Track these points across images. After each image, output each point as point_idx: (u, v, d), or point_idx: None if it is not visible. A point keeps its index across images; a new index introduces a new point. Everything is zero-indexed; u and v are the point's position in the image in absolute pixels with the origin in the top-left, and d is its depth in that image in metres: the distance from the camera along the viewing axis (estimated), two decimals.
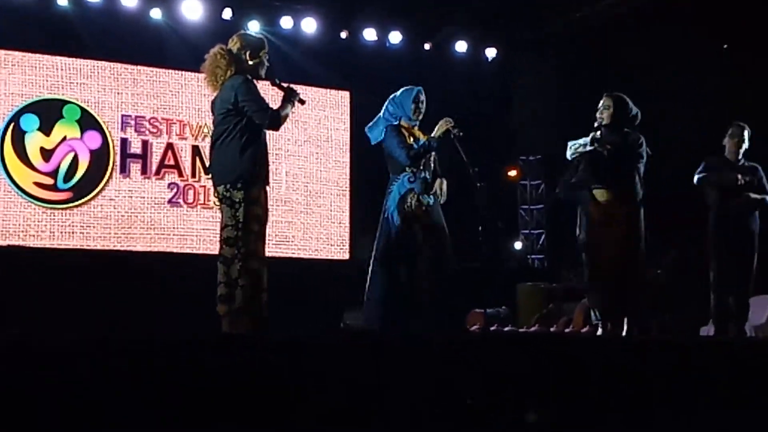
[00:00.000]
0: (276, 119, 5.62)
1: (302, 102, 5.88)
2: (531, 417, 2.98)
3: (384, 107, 6.79)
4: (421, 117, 6.71)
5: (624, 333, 6.48)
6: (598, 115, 6.83)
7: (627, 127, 6.81)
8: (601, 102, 6.85)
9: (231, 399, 2.85)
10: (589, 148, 6.68)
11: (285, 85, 5.89)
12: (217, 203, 5.74)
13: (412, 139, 6.61)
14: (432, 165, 6.66)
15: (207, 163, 5.93)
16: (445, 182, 6.63)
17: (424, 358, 3.12)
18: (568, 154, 6.84)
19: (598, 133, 6.69)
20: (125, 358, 2.88)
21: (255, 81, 5.76)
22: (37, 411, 2.66)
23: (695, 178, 7.57)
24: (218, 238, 5.67)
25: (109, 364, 2.83)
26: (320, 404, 2.91)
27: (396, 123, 6.68)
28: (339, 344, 3.18)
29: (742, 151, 7.51)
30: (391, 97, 6.80)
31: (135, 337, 2.98)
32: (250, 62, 5.74)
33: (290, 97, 5.77)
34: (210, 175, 5.93)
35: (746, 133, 7.52)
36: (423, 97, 6.70)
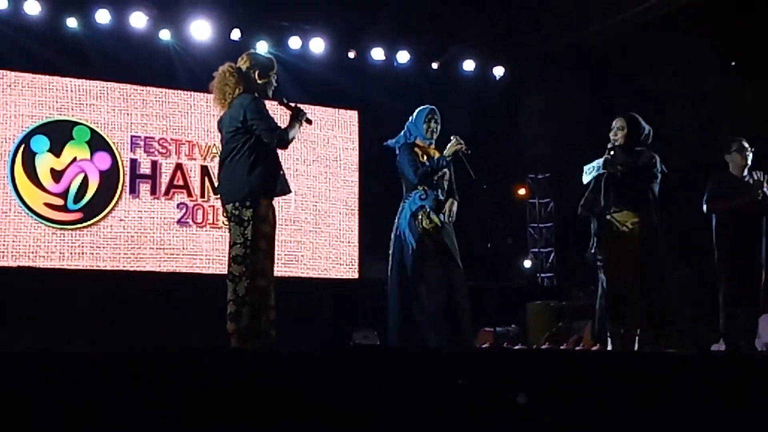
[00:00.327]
0: (284, 138, 5.63)
1: (309, 122, 5.89)
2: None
3: (405, 126, 6.87)
4: (435, 136, 6.74)
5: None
6: (611, 136, 6.82)
7: (641, 146, 6.81)
8: (614, 123, 6.84)
9: (234, 411, 2.86)
10: (602, 171, 6.67)
11: (293, 104, 5.91)
12: (226, 222, 5.74)
13: (425, 158, 6.64)
14: (445, 184, 6.67)
15: (216, 183, 5.89)
16: (456, 203, 6.65)
17: (435, 371, 3.12)
18: (584, 179, 6.83)
19: (611, 154, 6.69)
20: (131, 371, 2.88)
21: (263, 100, 5.77)
22: (47, 425, 2.67)
23: (704, 207, 7.50)
24: (227, 257, 5.67)
25: (114, 377, 2.83)
26: (326, 416, 2.91)
27: (411, 141, 6.74)
28: (348, 359, 3.18)
29: (748, 163, 7.48)
30: (410, 117, 6.88)
31: (141, 350, 2.98)
32: (259, 81, 5.76)
33: (298, 117, 5.79)
34: (218, 195, 5.93)
35: (746, 144, 7.50)
36: (436, 116, 6.74)
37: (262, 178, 5.58)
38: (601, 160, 6.71)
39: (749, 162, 7.47)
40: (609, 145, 6.78)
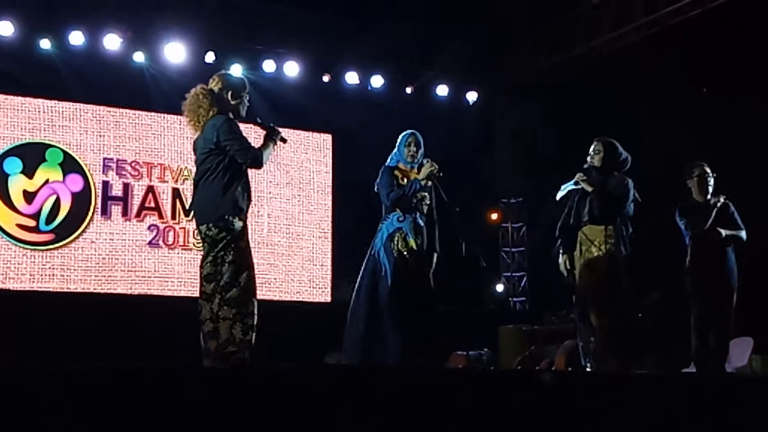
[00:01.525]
0: (258, 158, 5.63)
1: (284, 141, 5.90)
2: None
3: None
4: (416, 160, 6.76)
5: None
6: (588, 159, 6.94)
7: (617, 170, 6.91)
8: (592, 146, 6.97)
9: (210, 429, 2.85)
10: (572, 187, 6.80)
11: (266, 124, 5.91)
12: (199, 243, 5.73)
13: (405, 180, 6.70)
14: (425, 208, 6.70)
15: (190, 203, 5.86)
16: (436, 256, 6.73)
17: (403, 392, 3.12)
18: (558, 195, 6.94)
19: (584, 172, 6.81)
20: (99, 389, 2.87)
21: (236, 121, 5.77)
22: None
23: (682, 225, 7.56)
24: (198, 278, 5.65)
25: (82, 394, 2.82)
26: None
27: (392, 165, 6.80)
28: (318, 377, 3.18)
29: (710, 189, 7.55)
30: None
31: (116, 368, 2.97)
32: (232, 102, 5.76)
33: (272, 136, 5.79)
34: (190, 216, 5.91)
35: (708, 169, 7.58)
36: (414, 140, 6.79)
37: (236, 199, 5.57)
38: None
39: (710, 187, 7.54)
40: (585, 166, 6.89)
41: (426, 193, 6.71)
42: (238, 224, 5.57)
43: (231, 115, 5.71)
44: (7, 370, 2.89)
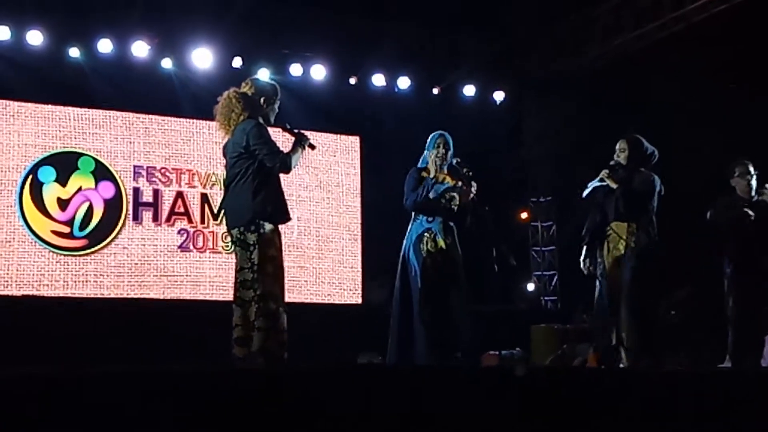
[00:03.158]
0: (286, 162, 5.65)
1: (312, 147, 5.92)
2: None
3: None
4: (445, 161, 6.76)
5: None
6: (615, 156, 6.93)
7: (644, 166, 6.89)
8: (618, 145, 6.96)
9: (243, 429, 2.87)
10: (598, 184, 6.80)
11: (295, 130, 5.94)
12: (229, 248, 5.77)
13: (435, 182, 6.70)
14: (454, 207, 6.66)
15: (220, 208, 5.89)
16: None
17: (440, 390, 3.13)
18: (584, 193, 6.93)
19: (610, 169, 6.80)
20: (140, 391, 2.90)
21: (266, 126, 5.80)
22: None
23: (708, 214, 7.55)
24: (233, 282, 5.68)
25: (123, 397, 2.85)
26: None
27: (421, 167, 6.82)
28: (353, 376, 3.20)
29: (753, 187, 7.51)
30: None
31: (148, 370, 3.00)
32: (264, 107, 5.80)
33: (301, 142, 5.81)
34: (218, 220, 5.95)
35: (752, 169, 7.54)
36: (443, 141, 6.78)
37: (266, 202, 5.59)
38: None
39: (754, 185, 7.51)
40: (611, 163, 6.88)
41: (456, 193, 6.68)
42: (269, 227, 5.59)
43: (261, 120, 5.74)
44: (45, 376, 2.93)
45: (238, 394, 2.98)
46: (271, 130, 5.87)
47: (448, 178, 6.73)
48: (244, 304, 5.50)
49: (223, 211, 5.96)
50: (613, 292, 6.76)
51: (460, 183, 6.70)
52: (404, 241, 6.66)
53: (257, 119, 5.72)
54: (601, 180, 6.84)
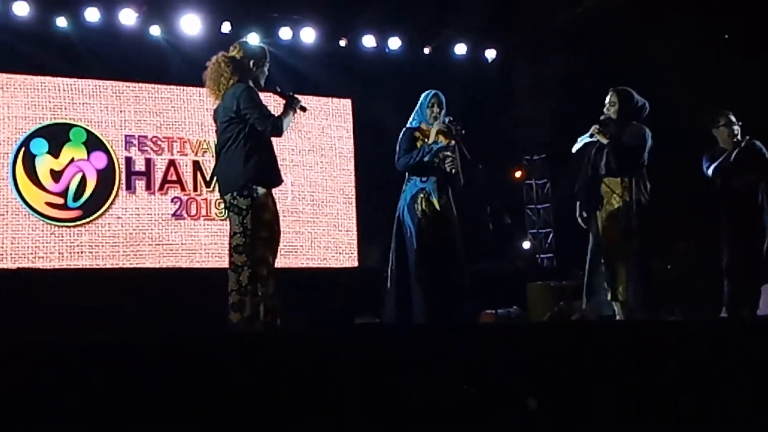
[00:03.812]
0: (278, 126, 5.60)
1: (303, 109, 5.88)
2: (532, 404, 3.00)
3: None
4: (437, 120, 6.70)
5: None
6: (605, 110, 6.89)
7: (635, 119, 6.86)
8: (608, 98, 6.91)
9: (243, 394, 2.87)
10: (588, 140, 6.77)
11: (286, 93, 5.90)
12: (222, 213, 5.75)
13: (427, 141, 6.64)
14: (448, 167, 6.62)
15: (212, 174, 5.86)
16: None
17: (439, 347, 3.14)
18: (574, 148, 6.91)
19: (600, 124, 6.77)
20: (139, 359, 2.90)
21: (256, 89, 5.76)
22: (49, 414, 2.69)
23: (709, 170, 7.49)
24: (227, 248, 5.66)
25: (119, 366, 2.85)
26: (335, 395, 2.93)
27: (413, 126, 6.77)
28: (352, 337, 3.20)
29: (736, 136, 7.48)
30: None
31: (145, 338, 2.99)
32: (253, 71, 5.75)
33: (292, 105, 5.77)
34: (211, 187, 5.93)
35: (733, 118, 7.51)
36: (437, 100, 6.73)
37: (258, 166, 5.56)
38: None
39: (737, 136, 7.48)
40: (601, 117, 6.84)
41: (449, 152, 6.64)
42: (261, 192, 5.56)
43: (251, 84, 5.70)
44: (42, 344, 2.92)
45: (236, 360, 2.98)
46: (262, 94, 5.83)
47: (441, 138, 6.66)
48: (237, 269, 5.48)
49: (215, 178, 5.93)
50: (607, 247, 6.76)
51: (452, 142, 6.66)
52: (399, 202, 6.65)
53: (247, 83, 5.67)
54: (592, 135, 6.81)
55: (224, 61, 5.66)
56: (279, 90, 5.94)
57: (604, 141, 6.76)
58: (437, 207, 6.55)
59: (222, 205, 5.76)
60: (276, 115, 5.68)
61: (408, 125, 6.79)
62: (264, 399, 2.92)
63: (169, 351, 3.01)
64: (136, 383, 2.85)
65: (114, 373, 2.86)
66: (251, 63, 5.75)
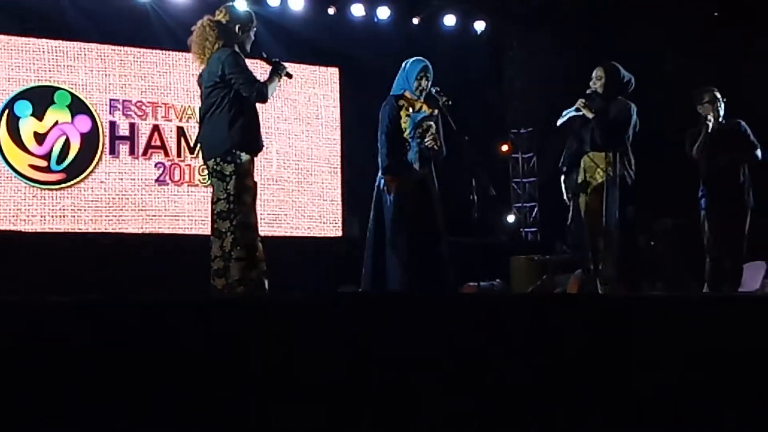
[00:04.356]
0: (263, 92, 5.56)
1: (289, 76, 5.84)
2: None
3: (399, 74, 6.68)
4: (423, 93, 6.55)
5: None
6: (591, 84, 6.86)
7: (622, 94, 6.83)
8: (594, 72, 6.88)
9: (229, 361, 2.86)
10: (574, 113, 6.74)
11: (272, 59, 5.85)
12: (205, 179, 5.72)
13: (410, 111, 6.49)
14: (430, 136, 6.47)
15: (196, 139, 5.81)
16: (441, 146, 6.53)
17: (417, 317, 3.13)
18: (559, 122, 6.88)
19: (587, 98, 6.73)
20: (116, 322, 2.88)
21: (242, 54, 5.70)
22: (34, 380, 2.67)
23: (693, 148, 7.49)
24: (210, 213, 5.63)
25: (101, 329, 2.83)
26: (320, 364, 2.92)
27: (398, 93, 6.59)
28: (335, 304, 3.19)
29: (721, 113, 7.47)
30: (404, 64, 6.68)
31: (127, 302, 2.97)
32: (239, 35, 5.70)
33: (277, 71, 5.73)
34: (195, 153, 5.88)
35: (718, 94, 7.49)
36: (428, 74, 6.56)
37: (243, 132, 5.52)
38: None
39: (721, 112, 7.47)
40: (588, 92, 6.81)
41: (432, 122, 6.52)
42: (245, 158, 5.53)
43: (237, 49, 5.64)
44: (23, 304, 2.89)
45: (219, 325, 2.96)
46: (248, 60, 5.77)
47: (424, 107, 6.55)
48: (221, 235, 5.45)
49: (199, 143, 5.88)
50: (589, 222, 6.75)
51: (436, 111, 6.56)
52: (379, 172, 6.55)
53: (233, 47, 5.62)
54: (578, 109, 6.77)
55: (209, 25, 5.60)
56: (265, 56, 5.89)
57: (590, 115, 6.73)
58: (419, 177, 6.43)
59: (205, 171, 5.70)
60: (262, 81, 5.63)
61: (392, 92, 6.63)
62: (246, 366, 2.91)
63: (151, 315, 2.99)
64: (117, 347, 2.83)
65: (95, 337, 2.84)
66: (237, 27, 5.69)
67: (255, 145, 5.65)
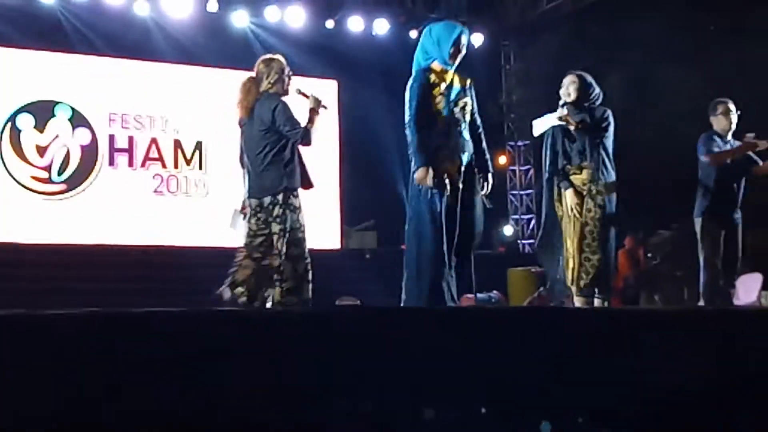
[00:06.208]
0: (308, 135, 5.84)
1: (325, 108, 6.05)
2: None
3: (420, 42, 5.51)
4: (457, 62, 5.40)
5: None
6: (562, 92, 6.81)
7: (590, 103, 6.81)
8: (566, 79, 6.83)
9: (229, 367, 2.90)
10: (555, 123, 6.68)
11: (308, 94, 6.03)
12: (276, 214, 5.97)
13: (443, 86, 5.39)
14: (466, 117, 5.46)
15: (246, 182, 6.03)
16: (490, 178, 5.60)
17: (418, 332, 3.16)
18: (535, 132, 6.84)
19: (564, 109, 6.69)
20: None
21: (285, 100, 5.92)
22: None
23: (705, 158, 7.44)
24: (276, 239, 5.92)
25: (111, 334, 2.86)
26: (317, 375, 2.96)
27: (426, 65, 5.40)
28: (333, 317, 3.23)
29: (733, 125, 7.48)
30: (427, 29, 5.53)
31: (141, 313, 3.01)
32: (277, 84, 5.92)
33: (315, 106, 5.95)
34: (249, 191, 6.04)
35: (732, 106, 7.50)
36: (465, 41, 5.42)
37: (293, 173, 5.86)
38: (553, 115, 6.70)
39: (734, 125, 7.48)
40: (561, 102, 6.77)
41: (468, 99, 5.46)
42: (296, 201, 5.91)
43: (280, 95, 5.89)
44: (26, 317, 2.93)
45: (222, 334, 3.00)
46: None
47: (458, 81, 5.47)
48: (295, 259, 5.91)
49: (251, 178, 6.05)
50: (567, 232, 6.71)
51: (469, 82, 5.53)
52: (412, 167, 5.33)
53: (278, 95, 5.88)
54: (560, 119, 6.71)
55: (251, 83, 5.89)
56: (302, 91, 6.11)
57: (571, 127, 6.69)
58: (459, 169, 5.36)
59: (256, 206, 5.94)
60: (304, 126, 5.86)
61: (418, 65, 5.44)
62: (247, 376, 2.95)
63: (152, 326, 3.03)
64: (119, 356, 2.87)
65: (96, 347, 2.87)
66: (274, 78, 5.98)
67: (302, 183, 6.01)
